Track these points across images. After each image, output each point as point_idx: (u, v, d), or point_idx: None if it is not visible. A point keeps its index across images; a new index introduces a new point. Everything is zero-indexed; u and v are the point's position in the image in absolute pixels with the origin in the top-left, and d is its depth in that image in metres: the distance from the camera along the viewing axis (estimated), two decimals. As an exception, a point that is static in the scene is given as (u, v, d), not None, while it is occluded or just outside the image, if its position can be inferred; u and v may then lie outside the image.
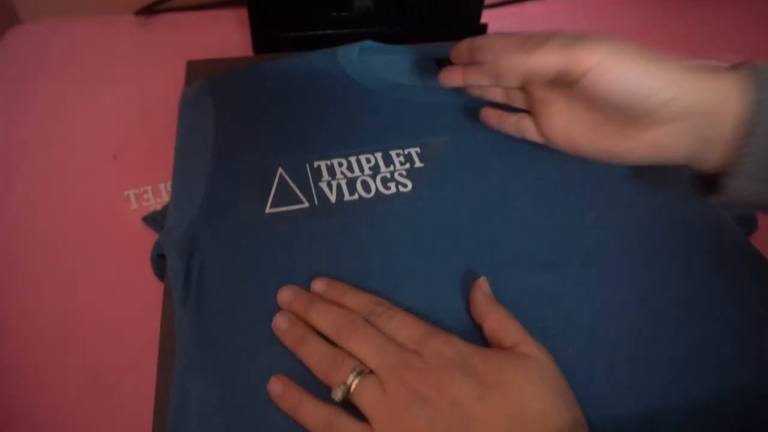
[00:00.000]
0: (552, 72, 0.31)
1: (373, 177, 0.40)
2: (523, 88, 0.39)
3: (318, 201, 0.38)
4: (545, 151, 0.41)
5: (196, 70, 0.50)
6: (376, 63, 0.49)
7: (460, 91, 0.47)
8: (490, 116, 0.41)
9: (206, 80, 0.46)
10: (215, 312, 0.32)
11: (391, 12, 0.58)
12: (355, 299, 0.31)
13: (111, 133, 0.56)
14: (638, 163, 0.35)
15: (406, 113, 0.45)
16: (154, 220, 0.48)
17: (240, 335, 0.31)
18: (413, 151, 0.42)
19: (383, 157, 0.41)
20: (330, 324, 0.30)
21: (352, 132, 0.43)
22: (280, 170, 0.40)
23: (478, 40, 0.36)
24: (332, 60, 0.49)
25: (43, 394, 0.39)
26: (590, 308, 0.33)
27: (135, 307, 0.43)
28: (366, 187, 0.39)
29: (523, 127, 0.39)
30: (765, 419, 0.30)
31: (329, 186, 0.39)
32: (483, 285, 0.32)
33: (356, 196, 0.38)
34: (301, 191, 0.39)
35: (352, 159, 0.41)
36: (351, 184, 0.39)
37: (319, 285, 0.33)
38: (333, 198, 0.38)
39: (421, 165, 0.41)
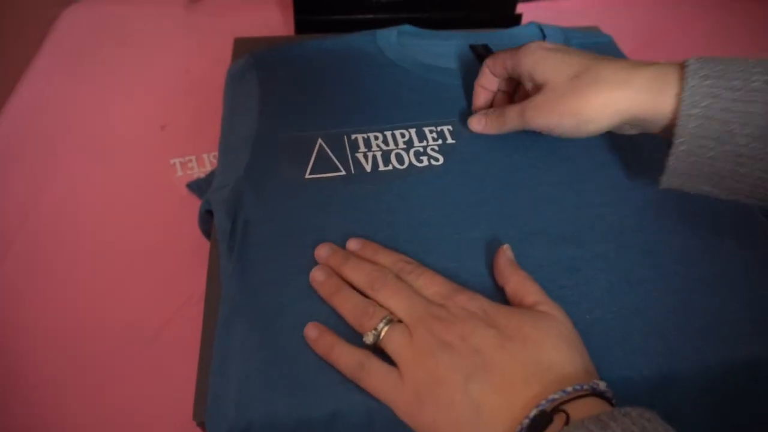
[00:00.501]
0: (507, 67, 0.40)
1: (407, 150, 0.42)
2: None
3: (354, 169, 0.40)
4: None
5: (242, 46, 0.53)
6: (414, 46, 0.52)
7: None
8: (476, 122, 0.43)
9: (252, 55, 0.49)
10: (258, 263, 0.34)
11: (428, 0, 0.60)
12: (387, 257, 0.34)
13: (159, 106, 0.60)
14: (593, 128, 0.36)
15: (440, 93, 0.47)
16: (198, 186, 0.51)
17: (280, 285, 0.34)
18: (446, 128, 0.44)
19: (417, 132, 0.43)
20: (363, 277, 0.32)
21: (388, 108, 0.45)
22: (319, 140, 0.42)
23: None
24: (372, 41, 0.51)
25: (92, 343, 0.42)
26: (608, 279, 0.35)
27: (175, 266, 0.47)
28: (400, 159, 0.41)
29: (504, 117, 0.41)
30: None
31: (365, 157, 0.41)
32: (507, 251, 0.34)
33: (390, 167, 0.41)
34: (338, 160, 0.41)
35: (388, 133, 0.43)
36: (386, 156, 0.42)
37: (353, 244, 0.35)
38: (368, 167, 0.41)
39: (453, 142, 0.43)
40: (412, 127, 0.44)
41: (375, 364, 0.29)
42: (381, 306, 0.31)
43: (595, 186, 0.40)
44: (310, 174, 0.40)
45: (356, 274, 0.33)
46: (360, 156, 0.42)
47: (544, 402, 0.25)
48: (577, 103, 0.35)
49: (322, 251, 0.35)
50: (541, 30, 0.54)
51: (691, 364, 0.31)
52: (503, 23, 0.59)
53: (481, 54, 0.52)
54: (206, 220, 0.40)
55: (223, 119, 0.46)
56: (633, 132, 0.37)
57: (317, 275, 0.33)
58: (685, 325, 0.33)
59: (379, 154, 0.42)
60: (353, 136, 0.43)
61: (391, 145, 0.42)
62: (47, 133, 0.57)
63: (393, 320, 0.30)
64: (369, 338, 0.30)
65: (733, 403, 0.32)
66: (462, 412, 0.26)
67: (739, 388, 0.32)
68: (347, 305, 0.32)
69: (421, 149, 0.42)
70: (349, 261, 0.33)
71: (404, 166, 0.41)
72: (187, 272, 0.45)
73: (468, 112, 0.45)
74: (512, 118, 0.39)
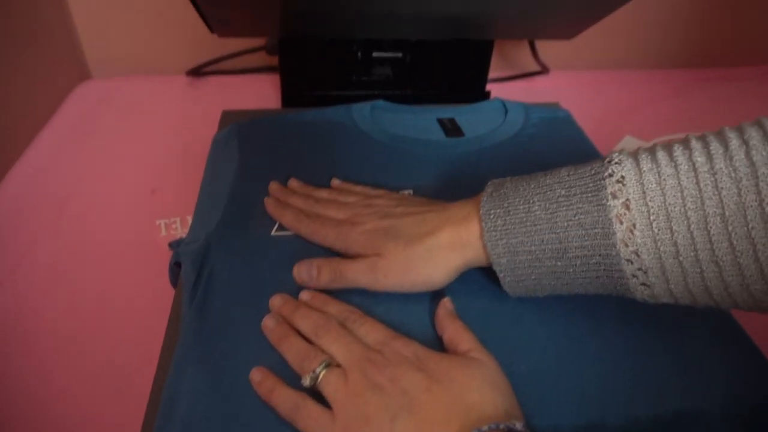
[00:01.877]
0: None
1: (368, 211, 0.45)
2: None
3: (317, 228, 0.43)
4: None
5: (229, 117, 0.58)
6: (386, 119, 0.56)
7: (453, 146, 0.53)
8: (305, 272, 0.40)
9: (236, 125, 0.54)
10: (216, 310, 0.37)
11: (406, 78, 0.66)
12: (334, 307, 0.36)
13: (152, 172, 0.64)
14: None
15: (405, 161, 0.51)
16: (178, 245, 0.54)
17: (234, 332, 0.36)
18: (407, 192, 0.47)
19: (380, 195, 0.46)
20: (309, 325, 0.34)
21: (356, 172, 0.49)
22: (288, 201, 0.45)
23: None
24: (347, 114, 0.56)
25: (62, 389, 0.44)
26: (546, 332, 0.36)
27: (155, 318, 0.49)
28: (361, 219, 0.44)
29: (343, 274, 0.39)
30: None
31: (329, 217, 0.44)
32: (447, 303, 0.36)
33: (351, 226, 0.44)
34: (304, 219, 0.44)
35: (352, 196, 0.46)
36: (348, 216, 0.44)
37: (305, 295, 0.37)
38: (330, 226, 0.43)
39: (413, 204, 0.46)
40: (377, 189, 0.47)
41: (309, 405, 0.30)
42: (323, 352, 0.33)
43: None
44: (275, 231, 0.43)
45: (304, 322, 0.35)
46: (324, 216, 0.45)
47: (460, 439, 0.26)
48: (425, 270, 0.36)
49: (276, 301, 0.37)
50: (504, 105, 0.58)
51: (619, 415, 0.32)
52: (473, 100, 0.63)
53: (447, 127, 0.56)
54: (176, 272, 0.43)
55: (203, 182, 0.50)
56: None
57: (268, 322, 0.35)
58: (616, 379, 0.34)
59: (342, 215, 0.45)
60: (320, 198, 0.46)
61: (355, 206, 0.45)
62: (49, 193, 0.61)
63: (332, 364, 0.32)
64: (306, 381, 0.31)
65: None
66: (387, 450, 0.27)
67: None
68: (292, 350, 0.33)
69: (382, 210, 0.45)
70: (299, 310, 0.36)
71: (364, 226, 0.44)
72: (161, 325, 0.47)
73: (429, 178, 0.49)
74: (357, 277, 0.37)
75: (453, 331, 0.34)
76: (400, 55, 0.64)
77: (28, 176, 0.63)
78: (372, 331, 0.34)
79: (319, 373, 0.31)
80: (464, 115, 0.58)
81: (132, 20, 0.78)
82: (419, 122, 0.56)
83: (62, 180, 0.63)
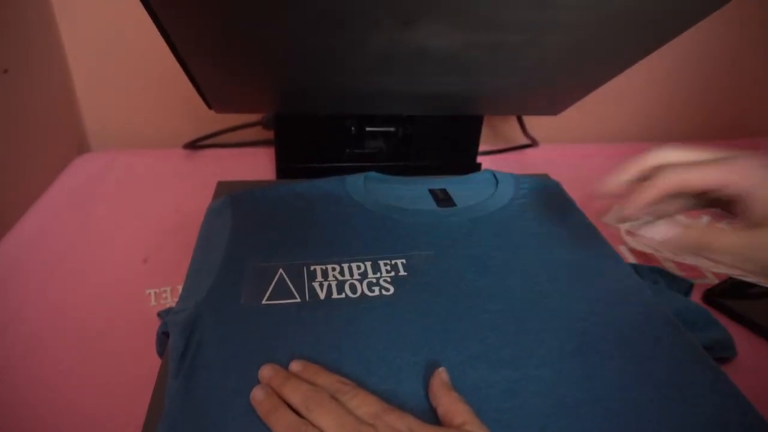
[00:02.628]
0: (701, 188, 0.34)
1: (361, 281, 0.45)
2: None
3: (309, 297, 0.43)
4: (515, 267, 0.47)
5: (224, 188, 0.58)
6: (378, 190, 0.57)
7: (444, 216, 0.54)
8: (671, 230, 0.37)
9: (230, 195, 0.54)
10: (203, 381, 0.36)
11: (398, 151, 0.67)
12: (326, 378, 0.35)
13: (145, 241, 0.64)
14: None
15: (397, 231, 0.51)
16: (167, 314, 0.53)
17: (222, 403, 0.34)
18: (399, 261, 0.47)
19: (372, 265, 0.47)
20: (299, 397, 0.33)
21: (348, 243, 0.49)
22: (280, 270, 0.45)
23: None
24: (340, 185, 0.57)
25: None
26: (543, 403, 0.35)
27: (139, 389, 0.47)
28: (353, 288, 0.44)
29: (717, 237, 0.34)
30: None
31: (321, 286, 0.44)
32: (442, 374, 0.35)
33: (343, 295, 0.43)
34: (295, 288, 0.44)
35: (345, 265, 0.46)
36: (340, 285, 0.44)
37: (296, 365, 0.36)
38: (322, 295, 0.43)
39: (405, 274, 0.46)
40: (368, 260, 0.47)
41: (298, 482, 0.29)
42: (313, 425, 0.32)
43: (535, 314, 0.42)
44: (267, 300, 0.43)
45: (294, 394, 0.34)
46: (316, 285, 0.44)
47: None
48: None
49: (265, 372, 0.36)
50: (494, 176, 0.60)
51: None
52: (464, 172, 0.65)
53: (439, 197, 0.57)
54: (163, 342, 0.42)
55: (195, 251, 0.50)
56: None
57: (257, 394, 0.34)
58: (618, 450, 0.33)
59: (334, 284, 0.45)
60: (312, 267, 0.46)
61: (347, 276, 0.45)
62: (40, 259, 0.61)
63: (322, 439, 0.31)
64: (295, 456, 0.30)
65: None
66: None
67: None
68: (281, 424, 0.32)
69: (374, 280, 0.45)
70: (289, 382, 0.35)
71: (356, 295, 0.43)
72: (145, 397, 0.45)
73: (421, 247, 0.49)
74: (731, 244, 0.32)
75: (448, 403, 0.33)
76: (392, 129, 0.66)
77: (21, 243, 0.63)
78: (364, 404, 0.32)
79: (309, 448, 0.30)
80: (456, 185, 0.59)
81: (132, 96, 0.81)
82: (411, 193, 0.57)
83: (54, 247, 0.63)
